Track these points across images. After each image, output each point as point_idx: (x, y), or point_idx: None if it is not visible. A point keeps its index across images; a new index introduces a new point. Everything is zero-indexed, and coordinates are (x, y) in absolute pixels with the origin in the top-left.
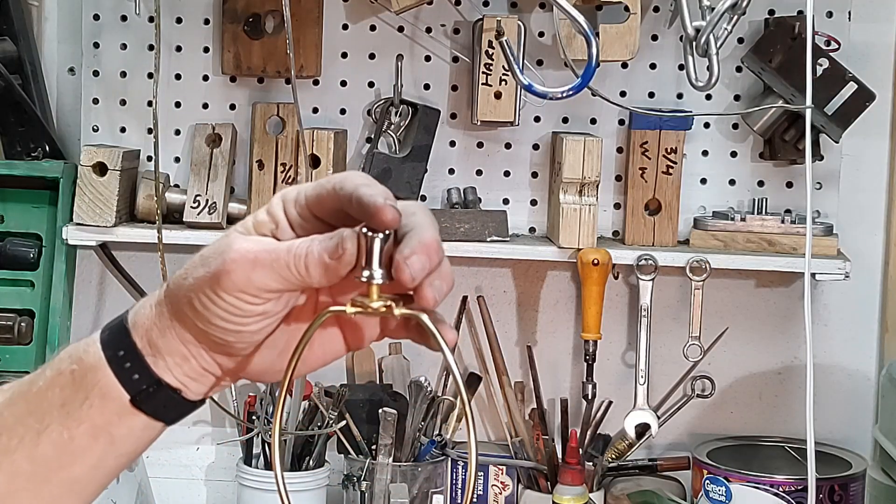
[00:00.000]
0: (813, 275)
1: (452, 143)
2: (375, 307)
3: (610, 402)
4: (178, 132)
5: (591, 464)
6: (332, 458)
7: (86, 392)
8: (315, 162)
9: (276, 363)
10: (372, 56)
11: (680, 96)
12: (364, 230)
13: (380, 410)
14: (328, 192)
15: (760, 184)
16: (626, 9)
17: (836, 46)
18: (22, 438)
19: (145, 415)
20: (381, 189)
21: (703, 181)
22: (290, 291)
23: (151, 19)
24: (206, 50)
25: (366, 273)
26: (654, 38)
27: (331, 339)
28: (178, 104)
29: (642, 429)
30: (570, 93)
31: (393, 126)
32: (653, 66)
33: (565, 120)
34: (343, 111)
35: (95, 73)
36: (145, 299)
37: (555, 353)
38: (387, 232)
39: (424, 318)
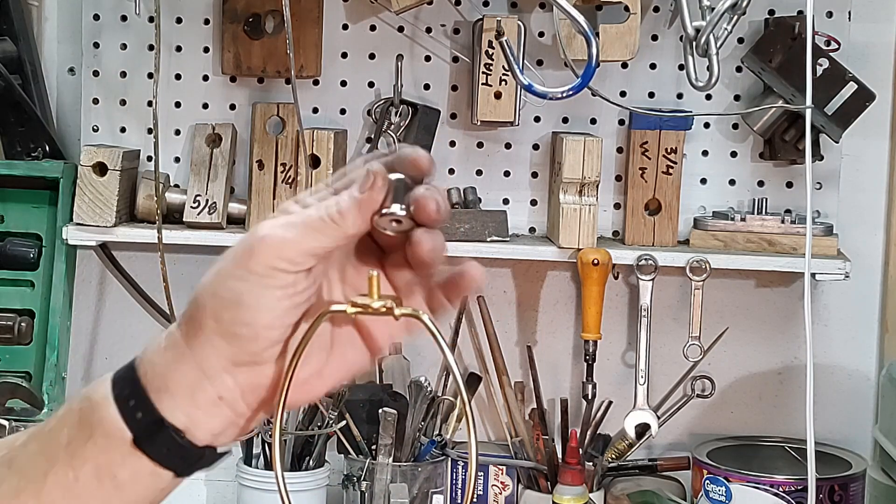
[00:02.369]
0: (813, 275)
1: (452, 143)
2: (376, 307)
3: (610, 402)
4: (178, 132)
5: (591, 464)
6: (332, 458)
7: (91, 429)
8: (315, 162)
9: (305, 380)
10: (372, 56)
11: (680, 96)
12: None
13: (380, 410)
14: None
15: (760, 184)
16: (626, 9)
17: (836, 46)
18: (30, 479)
19: (148, 458)
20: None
21: (703, 181)
22: (323, 256)
23: (151, 19)
24: (206, 50)
25: (392, 209)
26: (654, 38)
27: (347, 346)
28: (178, 104)
29: (642, 429)
30: (570, 93)
31: (393, 126)
32: (653, 66)
33: (565, 120)
34: (343, 111)
35: (95, 73)
36: (156, 336)
37: (555, 353)
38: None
39: (425, 318)
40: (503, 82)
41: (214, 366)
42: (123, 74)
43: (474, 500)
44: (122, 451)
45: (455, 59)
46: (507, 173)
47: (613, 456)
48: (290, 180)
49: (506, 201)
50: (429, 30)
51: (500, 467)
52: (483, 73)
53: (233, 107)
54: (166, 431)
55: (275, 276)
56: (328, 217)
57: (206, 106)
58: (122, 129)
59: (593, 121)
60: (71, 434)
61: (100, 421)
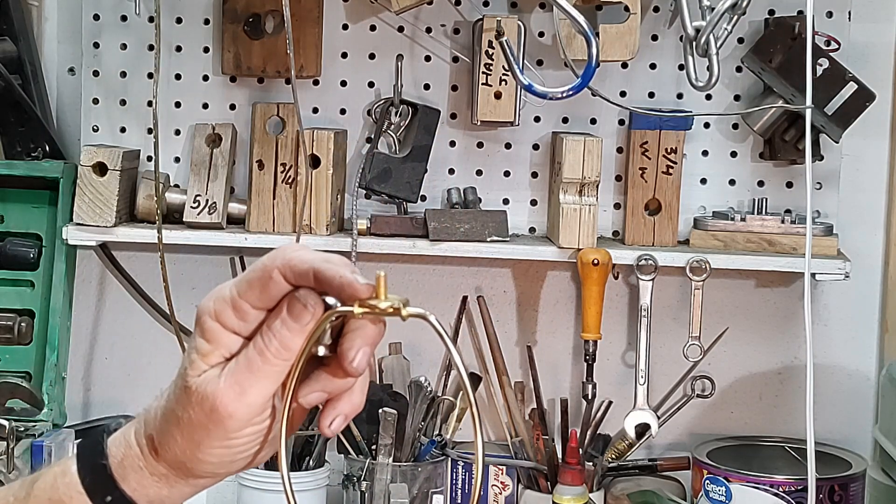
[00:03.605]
0: (813, 275)
1: (452, 143)
2: (383, 307)
3: (610, 402)
4: (178, 132)
5: (591, 464)
6: (332, 458)
7: None
8: (315, 162)
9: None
10: (372, 56)
11: (680, 96)
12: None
13: (380, 410)
14: (268, 282)
15: (760, 184)
16: (626, 9)
17: (836, 46)
18: None
19: None
20: (337, 265)
21: (703, 181)
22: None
23: (151, 19)
24: (206, 50)
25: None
26: (654, 38)
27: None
28: (178, 104)
29: (642, 429)
30: (570, 93)
31: (393, 126)
32: (653, 66)
33: (565, 120)
34: (343, 111)
35: (95, 73)
36: (123, 451)
37: (555, 353)
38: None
39: (432, 318)
40: (503, 82)
41: (211, 480)
42: (123, 74)
43: (481, 494)
44: None
45: (455, 59)
46: (507, 173)
47: (613, 456)
48: (290, 180)
49: (506, 201)
50: (429, 30)
51: (500, 467)
52: (483, 73)
53: (233, 107)
54: None
55: (252, 428)
56: (274, 360)
57: (206, 106)
58: (122, 129)
59: (593, 121)
60: None
61: None
